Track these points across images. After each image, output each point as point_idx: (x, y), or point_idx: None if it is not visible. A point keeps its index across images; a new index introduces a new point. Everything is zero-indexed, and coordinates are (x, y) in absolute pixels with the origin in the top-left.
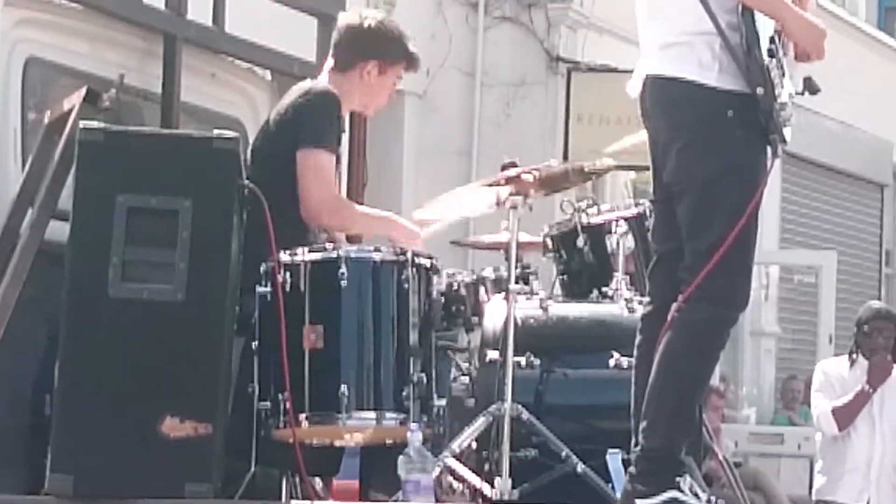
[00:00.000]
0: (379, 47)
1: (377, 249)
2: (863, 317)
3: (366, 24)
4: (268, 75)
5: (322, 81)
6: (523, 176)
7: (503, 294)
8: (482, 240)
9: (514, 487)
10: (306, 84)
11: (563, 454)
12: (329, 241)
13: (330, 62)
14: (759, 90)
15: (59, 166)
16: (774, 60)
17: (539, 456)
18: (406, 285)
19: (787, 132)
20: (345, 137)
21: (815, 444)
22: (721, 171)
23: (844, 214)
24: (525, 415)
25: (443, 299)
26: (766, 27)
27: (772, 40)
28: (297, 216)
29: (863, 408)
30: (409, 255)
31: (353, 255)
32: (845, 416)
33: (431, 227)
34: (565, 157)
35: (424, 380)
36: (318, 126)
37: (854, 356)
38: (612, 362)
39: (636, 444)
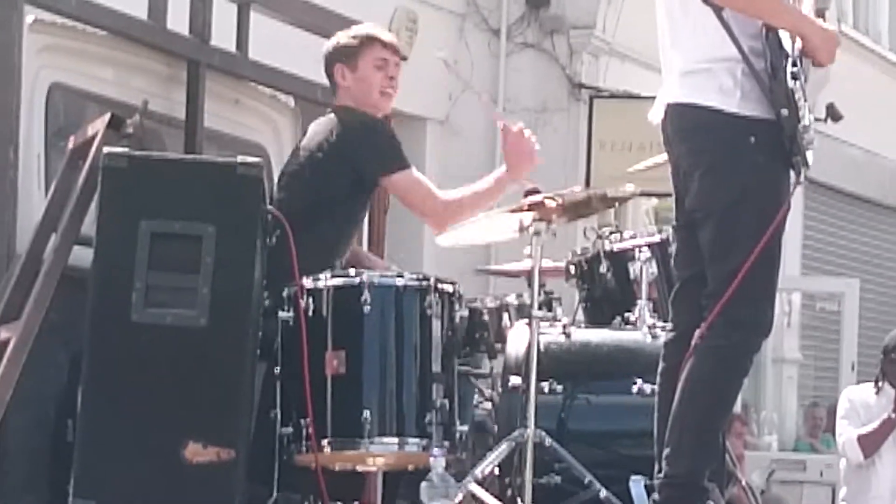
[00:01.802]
0: (332, 55)
1: (400, 275)
2: (890, 344)
3: (326, 45)
4: (291, 101)
5: (348, 112)
6: (546, 202)
7: (526, 320)
8: (506, 268)
9: None
10: (354, 115)
11: (586, 480)
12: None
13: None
14: (784, 112)
15: (82, 192)
16: (798, 83)
17: (562, 482)
18: (429, 311)
19: (809, 155)
20: None
21: (838, 471)
22: (742, 197)
23: (867, 241)
24: (548, 441)
25: (466, 325)
26: (789, 50)
27: (794, 64)
28: (323, 243)
29: (888, 436)
30: (431, 280)
31: (375, 280)
32: (870, 443)
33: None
34: (587, 184)
35: (447, 405)
36: (391, 151)
37: (880, 384)
38: (634, 388)
39: (659, 471)
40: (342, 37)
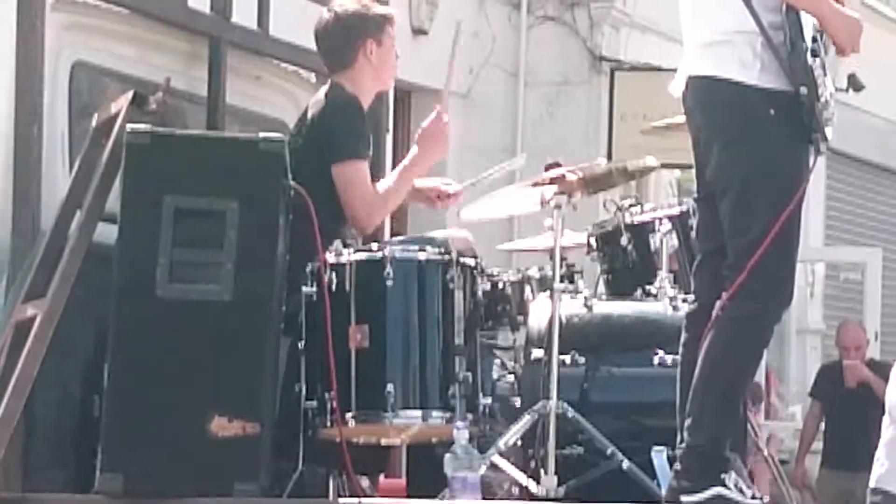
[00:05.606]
0: (362, 27)
1: (422, 249)
2: None
3: (342, 14)
4: (312, 77)
5: (337, 89)
6: (567, 175)
7: (548, 293)
8: (527, 247)
9: (559, 484)
10: (342, 94)
11: (609, 451)
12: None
13: (328, 70)
14: (803, 89)
15: (106, 169)
16: (818, 60)
17: (584, 453)
18: (451, 285)
19: (829, 131)
20: (389, 137)
21: None
22: (762, 170)
23: (890, 211)
24: (570, 412)
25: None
26: (808, 26)
27: (814, 39)
28: (327, 222)
29: None
30: (453, 254)
31: (398, 254)
32: None
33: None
34: (609, 157)
35: (470, 378)
36: (346, 138)
37: None
38: (656, 360)
39: (681, 441)
40: (364, 9)
